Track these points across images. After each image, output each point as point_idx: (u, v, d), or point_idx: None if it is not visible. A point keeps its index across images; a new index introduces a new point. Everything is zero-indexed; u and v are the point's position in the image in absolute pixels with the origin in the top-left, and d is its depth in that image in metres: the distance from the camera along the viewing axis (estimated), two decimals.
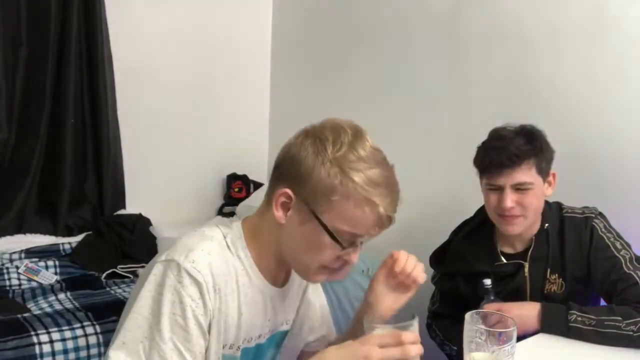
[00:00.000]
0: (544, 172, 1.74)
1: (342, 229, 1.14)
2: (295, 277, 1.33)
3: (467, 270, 1.85)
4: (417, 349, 1.06)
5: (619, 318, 1.56)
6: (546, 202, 1.81)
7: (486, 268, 1.79)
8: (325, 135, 1.15)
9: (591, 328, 1.57)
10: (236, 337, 1.22)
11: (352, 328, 1.38)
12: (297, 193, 1.16)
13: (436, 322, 1.96)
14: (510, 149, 1.69)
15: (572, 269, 1.76)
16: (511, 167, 1.69)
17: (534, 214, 1.75)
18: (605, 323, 1.56)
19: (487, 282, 1.73)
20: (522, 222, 1.75)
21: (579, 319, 1.58)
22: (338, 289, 2.47)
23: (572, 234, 1.77)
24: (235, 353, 1.24)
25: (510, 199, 1.70)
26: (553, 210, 1.83)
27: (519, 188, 1.70)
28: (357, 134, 1.16)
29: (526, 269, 1.79)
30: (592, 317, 1.57)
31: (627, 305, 1.60)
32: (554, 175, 1.78)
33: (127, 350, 1.10)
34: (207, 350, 1.17)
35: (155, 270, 1.14)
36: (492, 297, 1.72)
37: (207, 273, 1.13)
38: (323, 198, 1.13)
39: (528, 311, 1.64)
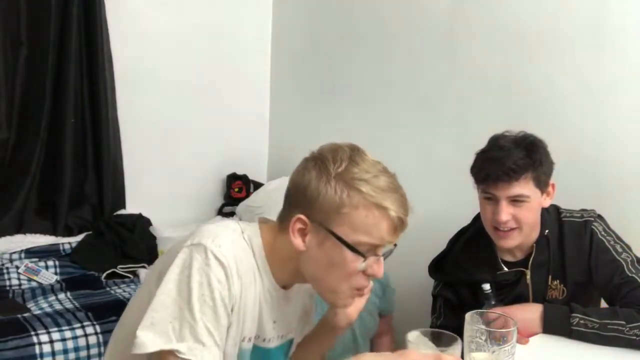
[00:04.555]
0: (542, 184, 1.70)
1: (359, 239, 1.17)
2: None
3: (468, 279, 1.82)
4: None
5: (623, 322, 1.55)
6: (543, 207, 1.77)
7: (487, 277, 1.76)
8: (324, 156, 1.21)
9: (594, 331, 1.56)
10: (251, 329, 1.25)
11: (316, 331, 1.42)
12: (310, 216, 1.19)
13: None
14: (507, 163, 1.65)
15: (573, 274, 1.74)
16: (508, 182, 1.66)
17: (529, 227, 1.72)
18: (608, 327, 1.55)
19: (487, 287, 1.71)
20: (517, 236, 1.72)
21: (582, 322, 1.57)
22: None
23: (571, 239, 1.75)
24: (247, 346, 1.26)
25: (505, 212, 1.67)
26: (551, 215, 1.80)
27: (515, 200, 1.67)
28: (355, 150, 1.22)
29: (528, 277, 1.77)
30: (595, 320, 1.56)
31: (631, 308, 1.59)
32: (553, 185, 1.75)
33: (156, 330, 1.12)
34: (226, 337, 1.19)
35: (182, 254, 1.16)
36: (492, 302, 1.71)
37: (232, 258, 1.17)
38: (334, 214, 1.17)
39: (531, 314, 1.63)
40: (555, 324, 1.60)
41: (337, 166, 1.18)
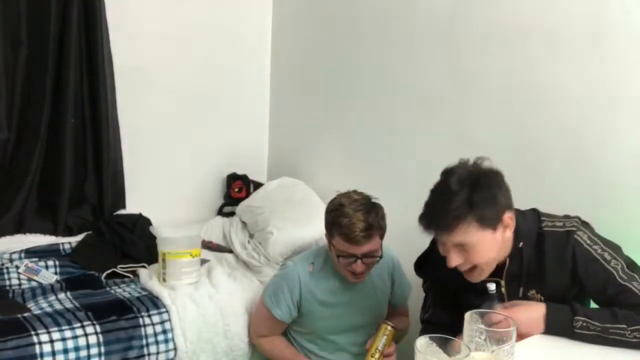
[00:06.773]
0: (490, 222, 1.61)
1: None
2: None
3: (448, 283, 1.80)
4: None
5: (624, 326, 1.54)
6: (521, 213, 1.72)
7: (466, 283, 1.72)
8: None
9: (595, 334, 1.56)
10: None
11: None
12: None
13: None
14: (441, 215, 1.59)
15: (552, 285, 1.70)
16: (444, 234, 1.62)
17: (488, 264, 1.67)
18: (610, 330, 1.55)
19: (492, 287, 1.67)
20: (480, 273, 1.67)
21: (584, 324, 1.57)
22: None
23: (552, 249, 1.69)
24: None
25: (454, 259, 1.63)
26: (529, 223, 1.73)
27: (460, 245, 1.63)
28: None
29: (503, 287, 1.74)
30: (597, 324, 1.56)
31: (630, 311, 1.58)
32: (510, 217, 1.64)
33: None
34: None
35: None
36: (496, 302, 1.67)
37: None
38: None
39: (534, 314, 1.61)
40: (558, 327, 1.59)
41: None
